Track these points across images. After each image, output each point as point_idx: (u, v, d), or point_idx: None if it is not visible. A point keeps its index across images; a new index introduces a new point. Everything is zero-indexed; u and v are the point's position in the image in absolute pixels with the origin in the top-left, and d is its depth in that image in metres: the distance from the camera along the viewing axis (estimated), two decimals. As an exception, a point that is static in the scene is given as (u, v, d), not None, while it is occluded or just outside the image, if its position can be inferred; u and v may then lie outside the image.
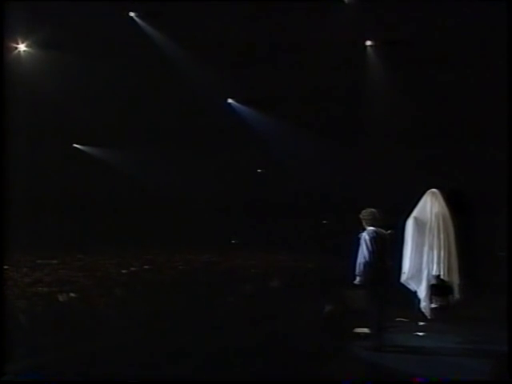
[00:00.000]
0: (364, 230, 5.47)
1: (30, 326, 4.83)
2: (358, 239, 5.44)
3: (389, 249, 5.51)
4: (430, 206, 6.43)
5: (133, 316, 5.54)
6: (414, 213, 6.41)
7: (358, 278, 5.36)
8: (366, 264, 5.32)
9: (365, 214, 5.53)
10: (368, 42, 10.87)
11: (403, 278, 6.30)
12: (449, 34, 9.03)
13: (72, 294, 5.72)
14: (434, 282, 6.30)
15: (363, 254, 5.32)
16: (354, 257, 5.42)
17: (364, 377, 4.62)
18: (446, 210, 6.43)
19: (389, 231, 5.65)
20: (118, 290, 6.18)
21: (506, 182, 5.47)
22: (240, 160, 13.53)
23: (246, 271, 8.53)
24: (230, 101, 13.03)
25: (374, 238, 5.35)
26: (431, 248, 6.26)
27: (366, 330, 5.55)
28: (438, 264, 6.24)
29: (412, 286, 6.32)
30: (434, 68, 10.02)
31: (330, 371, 4.74)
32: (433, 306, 6.30)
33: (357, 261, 5.37)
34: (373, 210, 5.60)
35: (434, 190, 6.58)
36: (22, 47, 10.72)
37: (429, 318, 6.28)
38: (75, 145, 14.15)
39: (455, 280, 6.32)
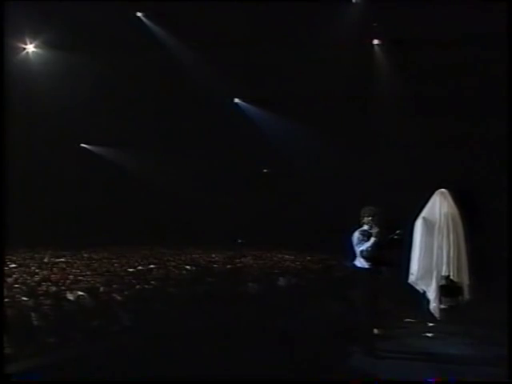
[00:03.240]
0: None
1: (38, 324, 4.83)
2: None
3: (385, 251, 5.47)
4: (439, 206, 6.37)
5: (140, 315, 5.54)
6: (423, 213, 6.35)
7: None
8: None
9: (362, 211, 5.55)
10: (375, 41, 10.85)
11: (412, 279, 6.25)
12: (452, 33, 9.00)
13: (80, 293, 5.72)
14: (443, 282, 6.24)
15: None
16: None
17: (370, 377, 4.59)
18: (455, 210, 6.36)
19: (397, 232, 5.61)
20: (124, 289, 6.17)
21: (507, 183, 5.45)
22: (246, 159, 13.53)
23: (253, 270, 8.51)
24: (236, 100, 13.04)
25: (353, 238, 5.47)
26: (440, 248, 6.20)
27: (375, 331, 5.52)
28: (448, 264, 6.18)
29: (421, 287, 6.27)
30: (441, 67, 9.97)
31: (337, 371, 4.72)
32: (442, 306, 6.24)
33: None
34: (365, 208, 5.58)
35: (442, 189, 6.52)
36: (30, 48, 10.79)
37: (438, 318, 6.23)
38: (83, 144, 14.20)
39: (465, 281, 6.25)
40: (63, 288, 5.96)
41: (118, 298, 5.80)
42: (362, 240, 5.43)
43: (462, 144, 10.46)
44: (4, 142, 5.02)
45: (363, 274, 5.41)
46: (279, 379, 4.44)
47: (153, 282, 6.72)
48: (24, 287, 5.79)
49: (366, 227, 5.49)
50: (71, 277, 6.76)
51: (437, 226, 6.26)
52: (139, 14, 10.59)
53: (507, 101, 6.39)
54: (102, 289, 6.06)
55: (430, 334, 5.92)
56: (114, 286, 6.28)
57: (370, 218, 5.49)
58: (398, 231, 5.62)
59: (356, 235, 5.50)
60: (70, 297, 5.57)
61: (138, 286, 6.36)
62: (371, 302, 5.39)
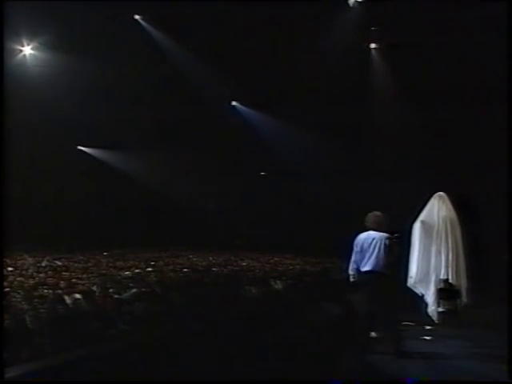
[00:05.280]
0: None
1: (35, 328, 4.79)
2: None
3: (387, 252, 5.46)
4: (438, 209, 6.39)
5: (137, 318, 5.50)
6: (421, 216, 6.37)
7: (351, 278, 5.57)
8: (352, 264, 5.55)
9: (367, 216, 5.56)
10: (372, 45, 10.88)
11: (410, 282, 6.25)
12: (452, 35, 9.03)
13: (76, 296, 5.67)
14: (441, 285, 6.25)
15: (353, 254, 5.55)
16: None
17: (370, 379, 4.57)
18: (453, 214, 6.39)
19: (395, 235, 5.61)
20: (122, 291, 6.13)
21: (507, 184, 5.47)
22: (244, 162, 13.52)
23: (251, 273, 8.48)
24: (234, 103, 13.04)
25: (357, 241, 5.50)
26: (439, 252, 6.22)
27: (373, 334, 5.51)
28: (446, 268, 6.20)
29: (419, 290, 6.28)
30: (438, 70, 10.00)
31: (335, 374, 4.70)
32: (440, 310, 6.25)
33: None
34: (377, 213, 5.59)
35: (441, 193, 6.54)
36: (27, 50, 10.76)
37: (436, 322, 6.23)
38: (79, 147, 14.16)
39: (463, 284, 6.28)
40: (59, 291, 5.91)
41: (115, 301, 5.76)
42: (394, 245, 5.46)
43: (461, 146, 10.49)
44: (3, 144, 4.99)
45: (375, 278, 5.43)
46: (279, 379, 4.43)
47: (150, 286, 6.68)
48: (20, 291, 5.74)
49: (372, 232, 5.51)
50: (70, 280, 6.71)
51: (435, 229, 6.28)
52: (137, 17, 10.58)
53: (507, 105, 6.40)
54: (98, 292, 6.01)
55: (427, 337, 5.91)
56: (111, 289, 6.24)
57: (376, 224, 5.51)
58: (395, 234, 5.62)
59: (386, 240, 5.46)
60: (67, 300, 5.52)
61: (135, 290, 6.32)
62: (381, 304, 5.41)
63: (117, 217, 13.23)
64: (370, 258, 5.41)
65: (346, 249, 5.71)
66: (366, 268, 5.41)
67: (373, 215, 5.57)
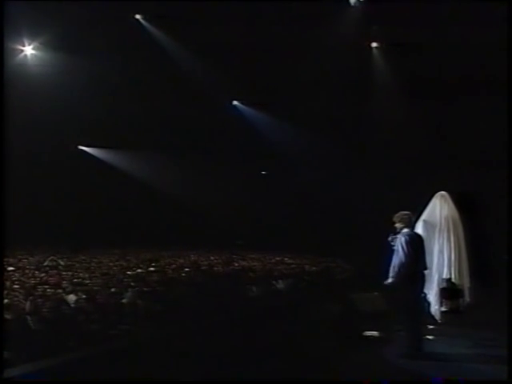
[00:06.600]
0: (395, 232, 5.38)
1: (36, 327, 4.79)
2: (388, 241, 5.38)
3: (422, 252, 5.42)
4: (440, 208, 6.38)
5: (138, 317, 5.50)
6: (424, 216, 6.36)
7: (390, 280, 5.26)
8: (401, 266, 5.19)
9: (402, 216, 5.40)
10: (374, 44, 10.87)
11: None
12: (452, 35, 9.03)
13: (77, 296, 5.68)
14: (444, 285, 6.25)
15: (399, 255, 5.21)
16: (388, 258, 5.33)
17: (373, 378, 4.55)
18: (455, 213, 6.38)
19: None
20: (124, 291, 6.13)
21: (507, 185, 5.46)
22: (244, 161, 13.52)
23: (252, 273, 8.48)
24: (235, 102, 13.04)
25: (411, 241, 5.27)
26: (441, 251, 6.22)
27: (375, 333, 5.50)
28: (449, 267, 6.19)
29: (422, 290, 6.26)
30: (439, 68, 10.00)
31: (338, 374, 4.69)
32: (443, 309, 6.24)
33: (392, 262, 5.26)
34: (408, 212, 5.47)
35: (443, 192, 6.53)
36: (28, 50, 10.76)
37: (439, 321, 6.22)
38: (81, 147, 14.18)
39: (466, 283, 6.27)
40: (61, 291, 5.91)
41: (117, 301, 5.76)
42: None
43: (462, 145, 10.48)
44: (3, 144, 5.00)
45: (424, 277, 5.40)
46: (279, 379, 4.42)
47: (152, 285, 6.69)
48: (22, 290, 5.74)
49: (411, 232, 5.40)
50: (72, 280, 6.72)
51: (437, 228, 6.28)
52: (138, 17, 10.58)
53: (507, 104, 6.41)
54: (100, 292, 6.02)
55: (430, 337, 5.90)
56: (113, 289, 6.24)
57: (411, 224, 5.42)
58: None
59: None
60: (68, 300, 5.53)
61: (137, 289, 6.32)
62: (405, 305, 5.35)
63: (118, 217, 13.24)
64: (421, 257, 5.30)
65: (348, 248, 5.66)
66: (421, 268, 5.28)
67: (407, 215, 5.40)
